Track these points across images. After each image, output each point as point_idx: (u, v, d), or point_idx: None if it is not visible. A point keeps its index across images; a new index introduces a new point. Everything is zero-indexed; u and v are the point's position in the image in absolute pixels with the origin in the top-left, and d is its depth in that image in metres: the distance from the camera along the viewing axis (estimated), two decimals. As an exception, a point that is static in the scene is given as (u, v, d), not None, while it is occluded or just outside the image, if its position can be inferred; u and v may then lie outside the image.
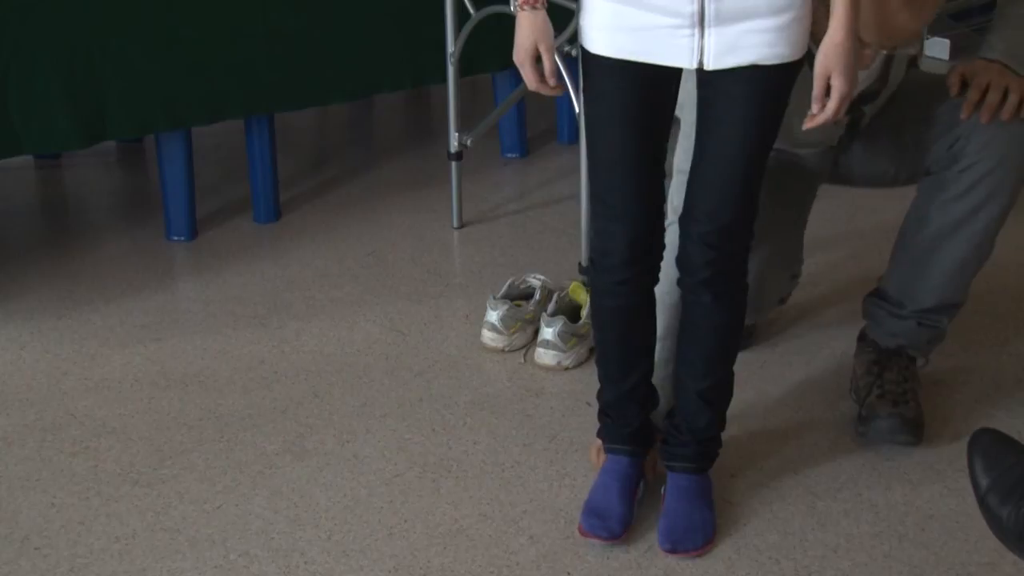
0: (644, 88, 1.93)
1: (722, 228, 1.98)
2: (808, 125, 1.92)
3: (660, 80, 1.93)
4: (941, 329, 2.43)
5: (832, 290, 3.04)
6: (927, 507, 2.23)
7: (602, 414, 2.22)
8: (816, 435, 2.44)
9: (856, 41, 1.86)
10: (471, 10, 3.28)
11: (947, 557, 2.10)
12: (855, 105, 2.35)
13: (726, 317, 2.09)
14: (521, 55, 1.94)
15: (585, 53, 1.96)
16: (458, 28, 3.29)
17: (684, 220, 2.03)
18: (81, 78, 3.03)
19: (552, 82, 1.96)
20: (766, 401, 2.55)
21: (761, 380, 2.63)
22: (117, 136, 3.33)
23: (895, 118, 2.39)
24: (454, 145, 3.40)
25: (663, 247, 2.08)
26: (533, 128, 3.99)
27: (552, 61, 1.95)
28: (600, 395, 2.21)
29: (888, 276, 2.45)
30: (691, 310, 2.10)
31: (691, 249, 2.02)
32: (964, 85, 2.29)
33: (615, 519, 2.13)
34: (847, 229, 3.37)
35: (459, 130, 3.38)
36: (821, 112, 1.89)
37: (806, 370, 2.68)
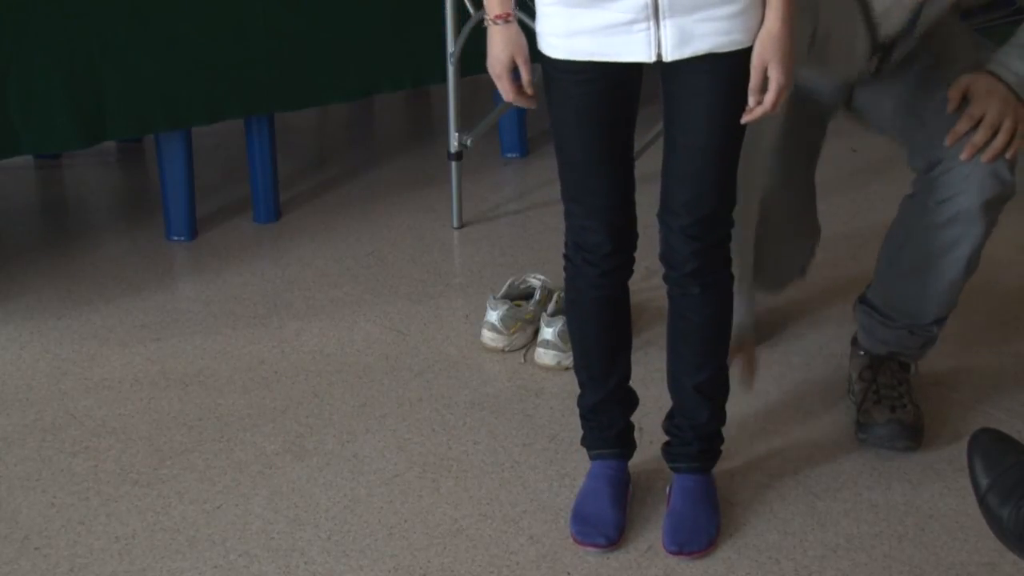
0: (607, 88, 1.94)
1: (702, 219, 1.99)
2: (746, 119, 1.93)
3: (622, 78, 1.94)
4: (932, 335, 2.42)
5: (832, 290, 3.03)
6: (927, 507, 2.23)
7: (585, 420, 2.22)
8: (816, 435, 2.44)
9: (793, 33, 1.88)
10: (471, 10, 3.28)
11: (947, 557, 2.10)
12: (886, 50, 2.28)
13: (715, 308, 2.09)
14: (499, 68, 1.97)
15: (545, 60, 1.96)
16: (458, 28, 3.29)
17: (663, 214, 2.03)
18: (81, 78, 3.03)
19: (530, 92, 1.98)
20: (766, 401, 2.55)
21: (761, 380, 2.62)
22: (117, 136, 3.33)
23: (909, 73, 2.32)
24: (454, 145, 3.40)
25: (636, 236, 2.09)
26: (533, 128, 3.99)
27: (530, 72, 1.96)
28: (582, 401, 2.21)
29: (875, 288, 2.43)
30: (679, 304, 2.09)
31: (674, 242, 2.03)
32: (965, 99, 2.23)
33: (610, 525, 2.12)
34: (847, 229, 3.37)
35: (459, 130, 3.39)
36: (759, 105, 1.91)
37: (806, 370, 2.68)
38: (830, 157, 3.86)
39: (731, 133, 1.95)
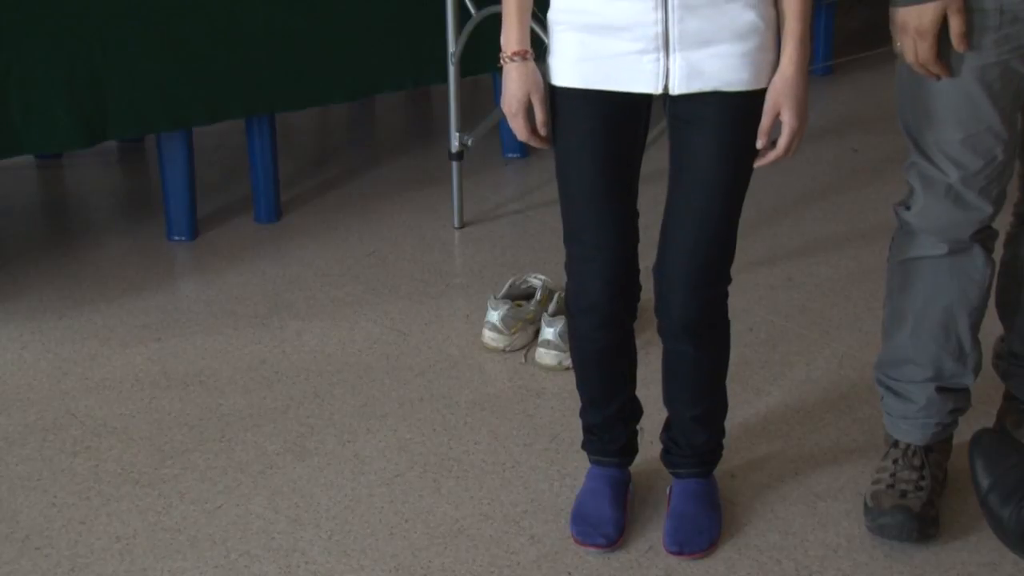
0: (613, 118, 1.91)
1: (699, 269, 1.95)
2: (759, 163, 1.91)
3: (628, 110, 1.91)
4: None
5: (833, 290, 3.04)
6: (928, 507, 2.23)
7: (587, 432, 2.21)
8: (817, 435, 2.44)
9: (807, 78, 1.86)
10: (472, 10, 3.28)
11: (947, 557, 2.10)
12: None
13: (711, 358, 2.07)
14: (514, 106, 1.93)
15: (554, 90, 1.94)
16: (459, 28, 3.29)
17: (659, 265, 1.99)
18: (82, 78, 3.04)
19: (544, 132, 1.95)
20: (766, 401, 2.55)
21: (761, 380, 2.63)
22: (118, 136, 3.33)
23: None
24: (455, 145, 3.40)
25: (639, 287, 2.05)
26: (534, 128, 3.98)
27: (545, 111, 1.93)
28: (584, 416, 2.20)
29: (1013, 336, 2.31)
30: (672, 357, 2.07)
31: (669, 296, 1.99)
32: None
33: (610, 525, 2.12)
34: (847, 229, 3.38)
35: (460, 130, 3.39)
36: (772, 150, 1.89)
37: (806, 370, 2.68)
38: (830, 157, 3.88)
39: (735, 178, 1.92)
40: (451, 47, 3.32)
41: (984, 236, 2.08)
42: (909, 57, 1.94)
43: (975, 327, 2.14)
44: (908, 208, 2.10)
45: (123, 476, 2.34)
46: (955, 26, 1.89)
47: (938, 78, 1.94)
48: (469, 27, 3.27)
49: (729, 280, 2.01)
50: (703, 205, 1.92)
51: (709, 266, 1.96)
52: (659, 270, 1.99)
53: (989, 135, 1.97)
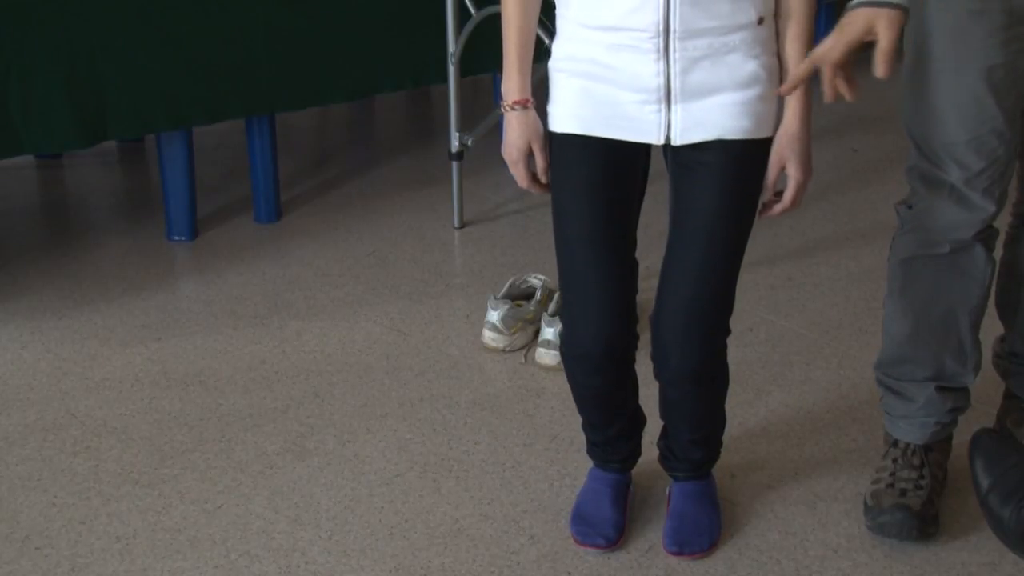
0: (610, 165, 1.89)
1: (698, 321, 1.93)
2: (764, 215, 1.91)
3: (627, 158, 1.89)
4: None
5: (833, 290, 3.04)
6: (928, 507, 2.23)
7: (591, 444, 2.20)
8: (816, 435, 2.44)
9: (810, 130, 1.85)
10: (472, 10, 3.29)
11: (947, 557, 2.10)
12: None
13: (709, 399, 2.07)
14: (515, 154, 1.93)
15: (552, 136, 1.92)
16: (459, 28, 3.29)
17: (657, 314, 1.97)
18: (82, 78, 3.04)
19: (544, 179, 1.94)
20: (766, 401, 2.56)
21: (761, 380, 2.63)
22: (118, 136, 3.33)
23: None
24: (455, 145, 3.40)
25: (636, 337, 2.03)
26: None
27: (545, 159, 1.93)
28: (584, 430, 2.19)
29: (1014, 336, 2.31)
30: (669, 399, 2.06)
31: (667, 346, 1.96)
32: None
33: (610, 526, 2.12)
34: (847, 229, 3.38)
35: (460, 130, 3.39)
36: (777, 203, 1.90)
37: (806, 370, 2.68)
38: (830, 157, 3.88)
39: (735, 225, 1.90)
40: (451, 47, 3.32)
41: (985, 235, 2.08)
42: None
43: (975, 326, 2.14)
44: (910, 207, 2.10)
45: (123, 476, 2.34)
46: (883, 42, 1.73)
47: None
48: (469, 27, 3.27)
49: (728, 332, 1.99)
50: (703, 257, 1.90)
51: (707, 318, 1.94)
52: (656, 319, 1.97)
53: (993, 136, 1.98)
